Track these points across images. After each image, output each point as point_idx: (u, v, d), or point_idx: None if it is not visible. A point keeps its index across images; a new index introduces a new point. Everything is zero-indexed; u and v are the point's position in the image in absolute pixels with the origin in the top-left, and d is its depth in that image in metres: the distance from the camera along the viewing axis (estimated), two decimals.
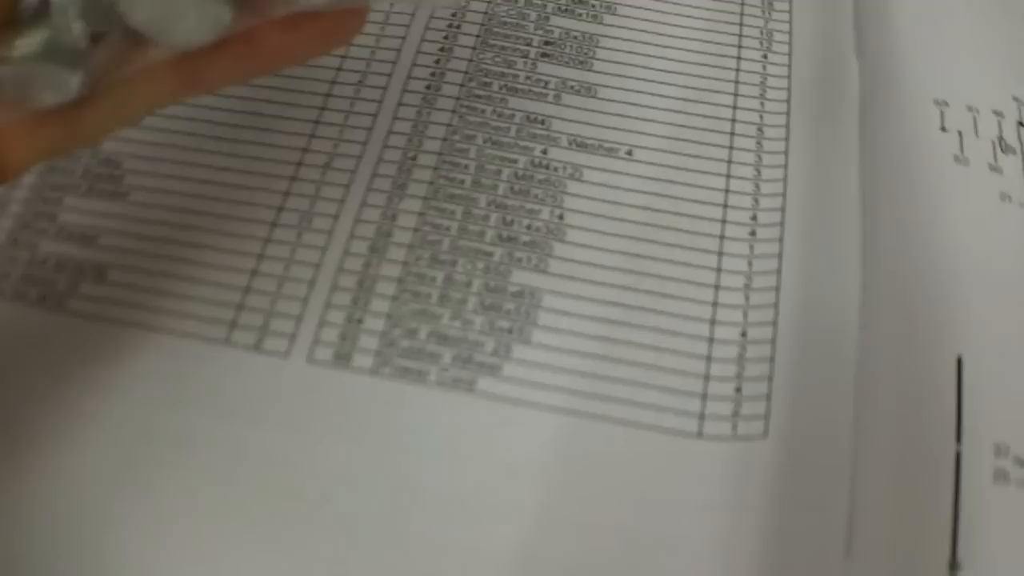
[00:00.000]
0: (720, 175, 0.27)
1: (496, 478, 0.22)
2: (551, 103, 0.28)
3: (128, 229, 0.25)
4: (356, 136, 0.27)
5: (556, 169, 0.27)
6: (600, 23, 0.30)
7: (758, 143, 0.28)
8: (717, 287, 0.25)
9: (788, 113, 0.28)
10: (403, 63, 0.28)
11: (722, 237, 0.26)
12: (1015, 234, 0.24)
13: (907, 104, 0.26)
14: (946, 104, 0.26)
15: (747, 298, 0.25)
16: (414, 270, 0.25)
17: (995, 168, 0.25)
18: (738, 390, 0.24)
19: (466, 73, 0.28)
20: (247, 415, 0.23)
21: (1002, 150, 0.25)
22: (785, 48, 0.30)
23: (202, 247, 0.25)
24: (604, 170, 0.27)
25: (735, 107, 0.28)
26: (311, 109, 0.27)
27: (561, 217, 0.26)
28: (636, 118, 0.28)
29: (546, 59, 0.29)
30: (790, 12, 0.31)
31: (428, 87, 0.28)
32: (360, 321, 0.24)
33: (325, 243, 0.25)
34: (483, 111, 0.28)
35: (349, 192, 0.26)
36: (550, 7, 0.30)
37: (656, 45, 0.29)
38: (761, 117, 0.28)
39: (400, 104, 0.28)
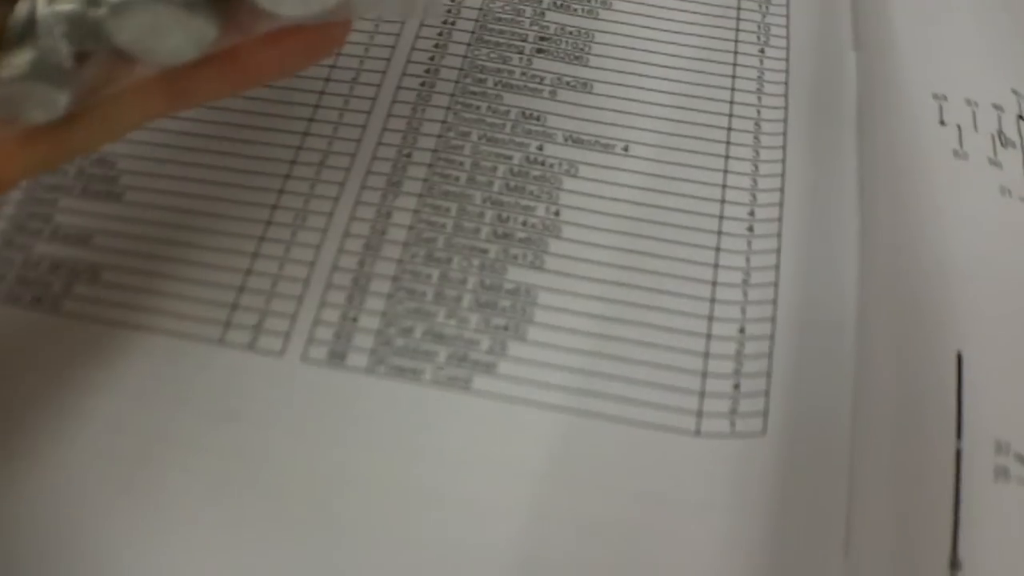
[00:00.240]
0: (717, 170, 0.27)
1: (492, 477, 0.22)
2: (547, 99, 0.28)
3: (122, 230, 0.25)
4: (351, 133, 0.27)
5: (552, 165, 0.26)
6: (596, 18, 0.30)
7: (755, 138, 0.27)
8: (715, 283, 0.25)
9: (786, 108, 0.28)
10: (398, 60, 0.28)
11: (719, 233, 0.26)
12: (1015, 228, 0.24)
13: (905, 98, 0.26)
14: (945, 98, 0.26)
15: (745, 294, 0.25)
16: (409, 268, 0.25)
17: (995, 162, 0.25)
18: (736, 387, 0.23)
19: (461, 69, 0.28)
20: (242, 415, 0.23)
21: (1002, 144, 0.25)
22: (783, 42, 0.29)
23: (196, 247, 0.25)
24: (600, 166, 0.27)
25: (732, 102, 0.28)
26: (305, 107, 0.27)
27: (557, 214, 0.26)
28: (632, 113, 0.28)
29: (541, 55, 0.29)
30: (787, 6, 0.30)
31: (423, 84, 0.28)
32: (355, 319, 0.24)
33: (320, 241, 0.25)
34: (478, 107, 0.27)
35: (344, 190, 0.26)
36: (545, 2, 0.30)
37: (652, 40, 0.29)
38: (758, 112, 0.28)
39: (395, 101, 0.27)
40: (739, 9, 0.30)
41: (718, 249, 0.25)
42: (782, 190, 0.26)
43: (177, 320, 0.24)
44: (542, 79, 0.28)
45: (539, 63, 0.28)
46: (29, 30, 0.17)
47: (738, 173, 0.27)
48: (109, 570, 0.21)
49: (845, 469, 0.22)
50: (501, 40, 0.29)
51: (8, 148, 0.18)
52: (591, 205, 0.26)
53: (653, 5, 0.30)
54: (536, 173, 0.26)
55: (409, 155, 0.26)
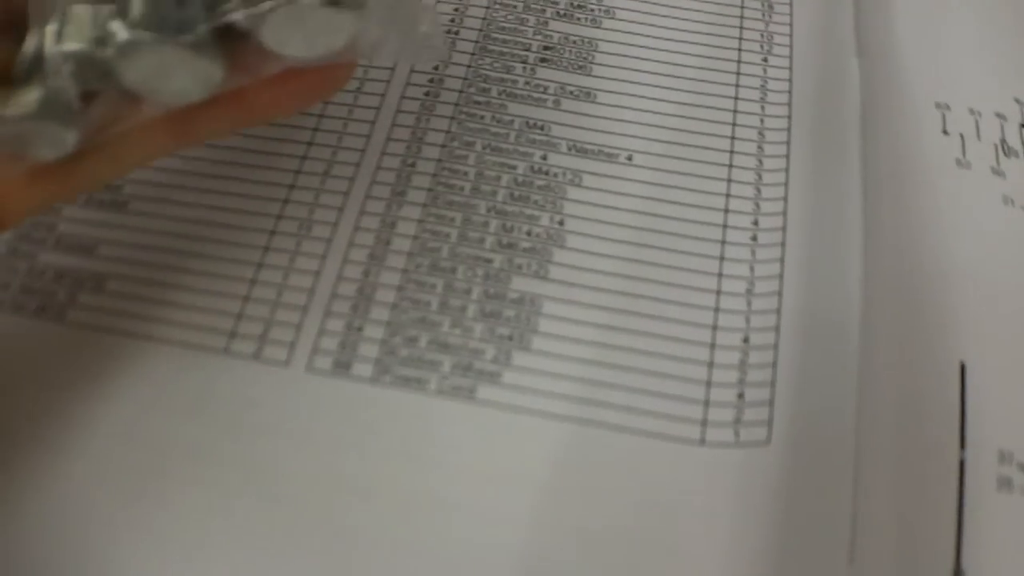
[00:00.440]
0: (721, 179, 0.27)
1: (497, 486, 0.22)
2: (550, 108, 0.28)
3: (127, 239, 0.25)
4: (354, 143, 0.27)
5: (556, 175, 0.27)
6: (599, 27, 0.30)
7: (759, 147, 0.27)
8: (719, 292, 0.25)
9: (789, 116, 0.28)
10: (402, 70, 0.28)
11: (723, 242, 0.26)
12: (1018, 238, 0.24)
13: (909, 107, 0.26)
14: (948, 107, 0.26)
15: (749, 303, 0.25)
16: (414, 277, 0.25)
17: (997, 171, 0.25)
18: (740, 396, 0.23)
19: (465, 79, 0.28)
20: (247, 425, 0.23)
21: (1004, 153, 0.25)
22: (786, 51, 0.29)
23: (201, 256, 0.25)
24: (604, 175, 0.27)
25: (736, 111, 0.28)
26: (309, 116, 0.27)
27: (561, 223, 0.26)
28: (636, 123, 0.28)
29: (545, 64, 0.29)
30: (791, 15, 0.30)
31: (427, 93, 0.28)
32: (360, 329, 0.24)
33: (324, 251, 0.25)
34: (482, 117, 0.27)
35: (348, 200, 0.26)
36: (549, 12, 0.30)
37: (656, 49, 0.29)
38: (762, 120, 0.28)
39: (399, 111, 0.27)
40: (742, 18, 0.30)
41: (722, 258, 0.25)
42: (786, 199, 0.26)
43: (182, 330, 0.24)
44: (546, 88, 0.28)
45: (543, 73, 0.28)
46: (37, 68, 0.17)
47: (742, 182, 0.27)
48: None
49: (849, 478, 0.22)
50: (505, 50, 0.29)
51: (15, 185, 0.18)
52: (595, 215, 0.26)
53: (657, 14, 0.30)
54: (540, 183, 0.26)
55: (413, 165, 0.27)
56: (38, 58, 0.17)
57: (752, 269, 0.25)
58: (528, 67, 0.29)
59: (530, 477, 0.22)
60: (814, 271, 0.25)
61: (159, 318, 0.24)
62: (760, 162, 0.27)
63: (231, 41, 0.17)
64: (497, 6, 0.30)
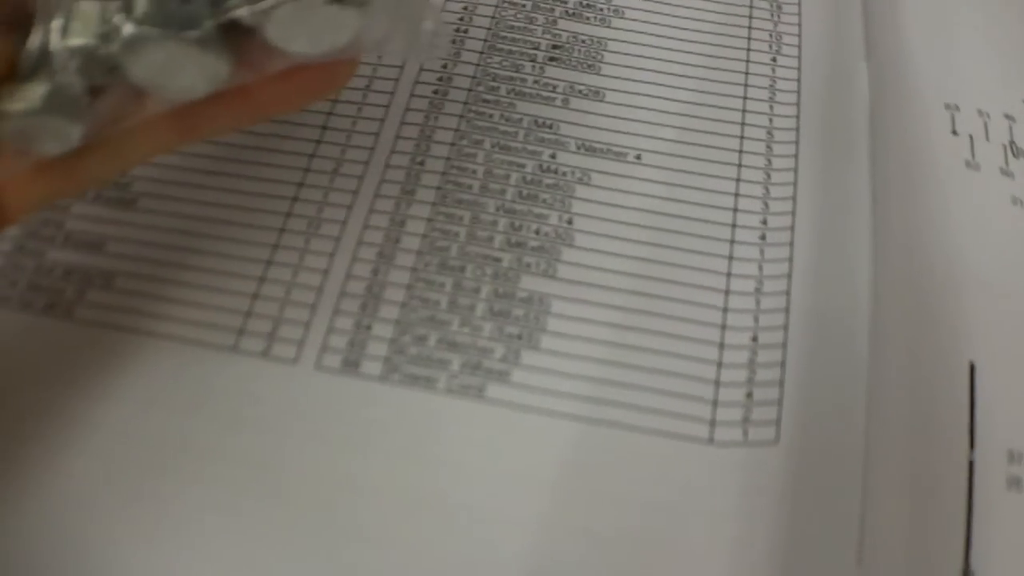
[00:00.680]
0: (730, 179, 0.27)
1: (506, 485, 0.22)
2: (559, 107, 0.28)
3: (135, 236, 0.25)
4: (364, 142, 0.27)
5: (564, 174, 0.27)
6: (608, 27, 0.30)
7: (768, 146, 0.27)
8: (727, 291, 0.25)
9: (798, 116, 0.28)
10: (410, 68, 0.28)
11: (732, 241, 0.26)
12: None
13: (917, 108, 0.26)
14: (957, 108, 0.26)
15: (758, 303, 0.25)
16: (423, 276, 0.25)
17: (1006, 172, 0.25)
18: (749, 395, 0.23)
19: (473, 78, 0.28)
20: (255, 422, 0.23)
21: (1013, 154, 0.25)
22: (794, 51, 0.29)
23: (210, 254, 0.25)
24: (613, 174, 0.27)
25: (744, 110, 0.28)
26: (318, 114, 0.27)
27: (570, 222, 0.26)
28: (645, 122, 0.28)
29: (554, 63, 0.29)
30: (799, 15, 0.30)
31: (435, 92, 0.28)
32: (369, 327, 0.24)
33: (333, 249, 0.25)
34: (491, 116, 0.27)
35: (357, 198, 0.26)
36: (558, 11, 0.30)
37: (665, 48, 0.29)
38: (771, 120, 0.28)
39: (408, 109, 0.27)
40: (751, 18, 0.30)
41: (731, 258, 0.25)
42: (794, 198, 0.26)
43: (190, 327, 0.24)
44: (555, 87, 0.28)
45: (552, 71, 0.28)
46: (42, 63, 0.17)
47: (750, 181, 0.27)
48: None
49: (858, 478, 0.22)
50: (514, 48, 0.29)
51: (20, 179, 0.18)
52: (604, 213, 0.26)
53: (665, 13, 0.30)
54: (549, 181, 0.26)
55: (422, 163, 0.27)
56: (44, 53, 0.17)
57: (761, 268, 0.25)
58: (537, 66, 0.29)
59: (538, 476, 0.22)
60: (823, 270, 0.25)
61: (167, 315, 0.24)
62: (769, 161, 0.27)
63: (236, 37, 0.17)
64: (506, 5, 0.30)
